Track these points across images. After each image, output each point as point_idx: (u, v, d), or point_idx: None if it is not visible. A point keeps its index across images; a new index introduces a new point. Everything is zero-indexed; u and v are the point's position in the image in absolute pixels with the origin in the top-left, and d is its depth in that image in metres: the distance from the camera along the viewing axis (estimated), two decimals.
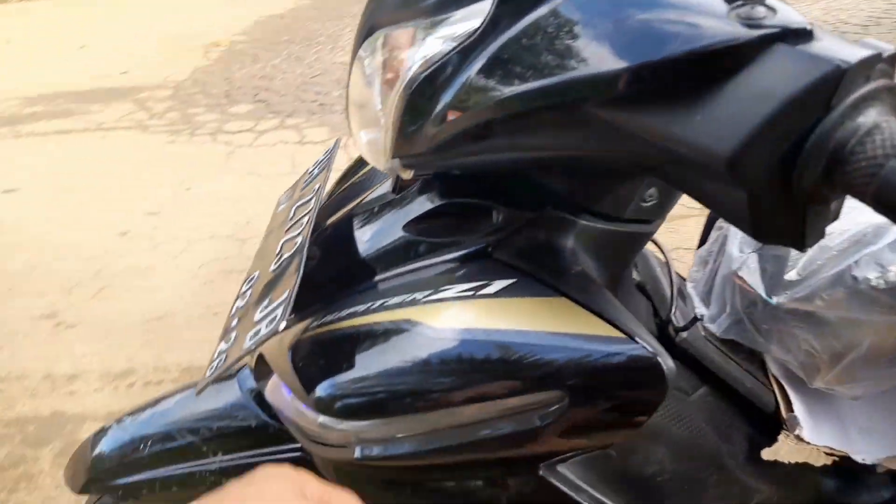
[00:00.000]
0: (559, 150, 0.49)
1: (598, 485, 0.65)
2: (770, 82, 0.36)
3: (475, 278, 0.56)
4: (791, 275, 0.75)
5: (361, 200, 0.69)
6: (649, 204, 0.58)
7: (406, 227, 0.61)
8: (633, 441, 0.68)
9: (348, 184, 0.76)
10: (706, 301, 0.86)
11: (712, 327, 0.81)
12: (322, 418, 0.59)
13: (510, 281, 0.55)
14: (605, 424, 0.58)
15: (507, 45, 0.47)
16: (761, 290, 0.76)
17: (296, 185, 0.79)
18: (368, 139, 0.58)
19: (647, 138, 0.41)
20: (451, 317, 0.54)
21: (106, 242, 2.49)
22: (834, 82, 0.34)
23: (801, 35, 0.37)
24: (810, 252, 0.74)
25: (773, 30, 0.37)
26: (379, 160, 0.57)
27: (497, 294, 0.55)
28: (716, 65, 0.38)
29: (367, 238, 0.63)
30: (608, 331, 0.53)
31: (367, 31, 0.56)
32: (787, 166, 0.36)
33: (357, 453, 0.59)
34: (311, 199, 0.67)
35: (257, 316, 0.57)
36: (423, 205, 0.61)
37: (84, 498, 0.90)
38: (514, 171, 0.59)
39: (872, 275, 0.66)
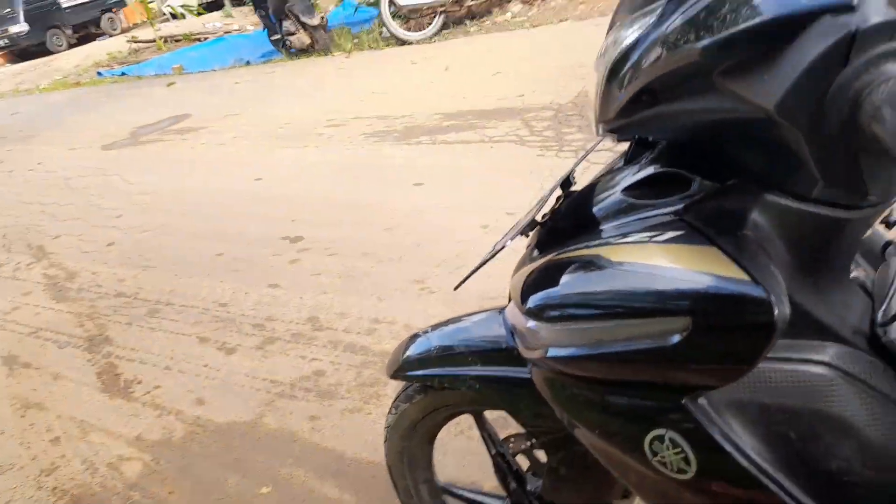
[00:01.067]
0: (703, 114, 0.62)
1: (759, 446, 0.70)
2: (804, 48, 0.45)
3: (656, 229, 0.71)
4: None
5: (605, 172, 0.89)
6: (833, 188, 0.61)
7: (625, 190, 0.78)
8: (817, 428, 0.70)
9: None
10: None
11: None
12: (530, 322, 0.80)
13: (679, 232, 0.69)
14: (720, 356, 0.66)
15: (668, 31, 0.62)
16: None
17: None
18: (592, 103, 0.78)
19: (746, 100, 0.52)
20: (626, 254, 0.71)
21: (471, 232, 3.03)
22: (846, 44, 0.42)
23: (844, 8, 0.44)
24: None
25: (818, 3, 0.45)
26: (594, 124, 0.77)
27: (666, 241, 0.69)
28: (784, 33, 0.48)
29: (599, 200, 0.82)
30: (737, 273, 0.62)
31: (611, 24, 0.76)
32: (821, 111, 0.45)
33: (549, 353, 0.78)
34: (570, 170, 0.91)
35: (498, 241, 0.85)
36: (638, 173, 0.78)
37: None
38: (714, 141, 0.70)
39: None
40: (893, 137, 0.39)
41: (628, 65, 0.66)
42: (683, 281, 0.65)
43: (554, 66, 5.08)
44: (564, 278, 0.75)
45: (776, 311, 0.59)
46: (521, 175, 3.45)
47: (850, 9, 0.44)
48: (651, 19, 0.65)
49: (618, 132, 0.75)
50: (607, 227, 0.77)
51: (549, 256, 0.81)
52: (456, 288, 0.95)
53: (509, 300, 0.96)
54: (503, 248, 0.79)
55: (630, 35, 0.67)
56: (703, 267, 0.64)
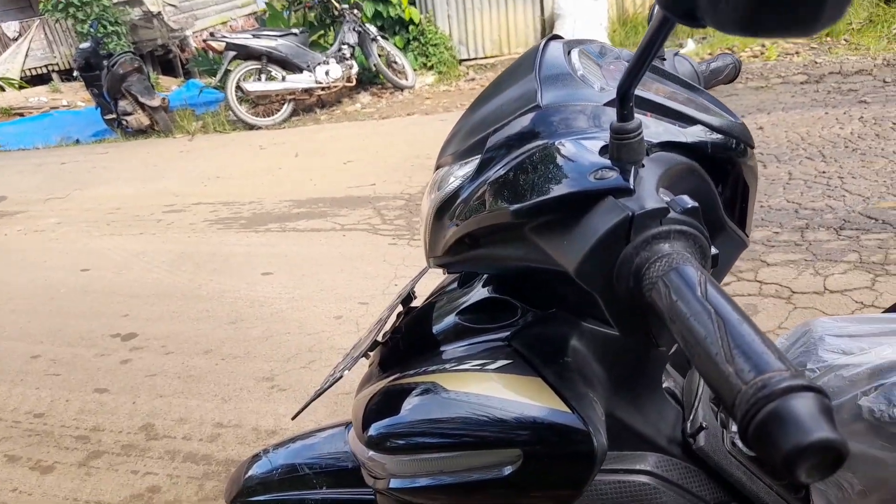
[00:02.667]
0: (517, 261, 0.68)
1: None
2: (595, 222, 0.52)
3: (487, 357, 0.74)
4: None
5: (443, 290, 0.92)
6: None
7: (458, 314, 0.81)
8: None
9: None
10: None
11: (740, 443, 0.82)
12: (370, 453, 0.78)
13: (508, 361, 0.72)
14: (551, 484, 0.68)
15: (484, 182, 0.67)
16: None
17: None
18: (422, 241, 0.81)
19: (551, 256, 0.58)
20: (461, 383, 0.72)
21: (324, 323, 2.96)
22: (627, 224, 0.50)
23: (624, 191, 0.53)
24: (825, 379, 0.75)
25: (602, 185, 0.54)
26: (426, 257, 0.80)
27: (496, 370, 0.71)
28: (577, 207, 0.55)
29: (436, 321, 0.85)
30: (557, 404, 0.66)
31: (435, 167, 0.81)
32: (611, 278, 0.52)
33: (391, 484, 0.76)
34: (408, 287, 0.93)
35: (338, 363, 0.82)
36: (472, 297, 0.83)
37: None
38: (534, 275, 0.76)
39: (880, 407, 0.65)
40: (667, 308, 0.45)
41: (452, 209, 0.72)
42: (511, 413, 0.68)
43: (402, 157, 5.27)
44: (404, 406, 0.75)
45: (595, 442, 0.64)
46: (375, 263, 3.47)
47: (629, 192, 0.52)
48: (471, 169, 0.71)
49: (447, 266, 0.79)
50: (446, 350, 0.79)
51: (390, 379, 0.81)
52: (293, 417, 0.92)
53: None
54: (341, 377, 0.78)
55: (454, 181, 0.73)
56: (529, 398, 0.68)
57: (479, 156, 0.70)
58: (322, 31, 8.18)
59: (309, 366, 2.67)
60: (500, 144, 0.68)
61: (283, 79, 7.17)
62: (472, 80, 7.87)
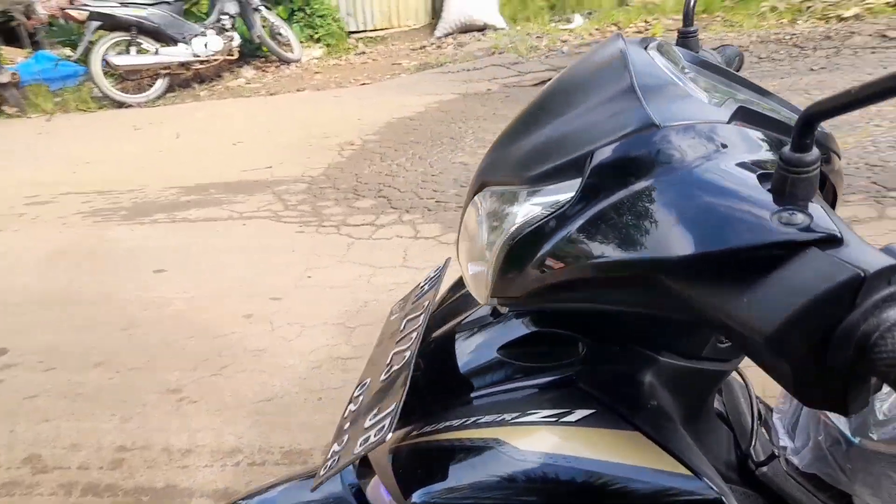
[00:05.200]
0: (635, 307, 0.56)
1: None
2: (803, 280, 0.42)
3: (559, 405, 0.62)
4: (879, 413, 0.72)
5: (464, 319, 0.77)
6: (726, 345, 0.63)
7: (500, 349, 0.68)
8: None
9: (456, 296, 0.84)
10: (791, 433, 0.85)
11: (795, 460, 0.78)
12: None
13: (590, 411, 0.61)
14: None
15: (592, 219, 0.55)
16: (845, 429, 0.75)
17: (407, 298, 0.88)
18: (474, 272, 0.66)
19: (706, 310, 0.47)
20: (535, 441, 0.60)
21: (232, 324, 2.71)
22: (856, 285, 0.40)
23: (831, 241, 0.43)
24: None
25: (809, 235, 0.43)
26: (481, 294, 0.65)
27: (578, 423, 0.60)
28: (761, 258, 0.44)
29: (466, 355, 0.71)
30: (676, 467, 0.57)
31: (479, 185, 0.66)
32: (820, 349, 0.42)
33: None
34: (420, 316, 0.76)
35: (367, 423, 0.65)
36: (517, 330, 0.69)
37: None
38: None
39: None
40: None
41: (537, 248, 0.58)
42: (615, 478, 0.57)
43: (298, 137, 4.97)
44: (458, 466, 0.62)
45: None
46: (282, 254, 3.23)
47: (838, 242, 0.43)
48: (556, 198, 0.58)
49: (516, 307, 0.67)
50: (488, 393, 0.67)
51: (425, 430, 0.67)
52: (314, 489, 0.72)
53: (358, 467, 0.80)
54: (383, 441, 0.62)
55: (528, 213, 0.59)
56: (636, 458, 0.58)
57: (566, 181, 0.57)
58: (197, 0, 7.55)
59: (221, 372, 2.42)
60: (610, 170, 0.55)
61: (157, 52, 6.55)
62: (363, 53, 7.60)
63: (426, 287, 0.85)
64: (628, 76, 0.59)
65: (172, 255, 3.38)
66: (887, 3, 6.08)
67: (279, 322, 2.69)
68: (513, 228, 0.60)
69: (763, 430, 0.82)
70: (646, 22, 6.79)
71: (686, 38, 0.81)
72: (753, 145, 0.55)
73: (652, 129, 0.55)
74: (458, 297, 0.83)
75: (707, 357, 0.63)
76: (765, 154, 0.54)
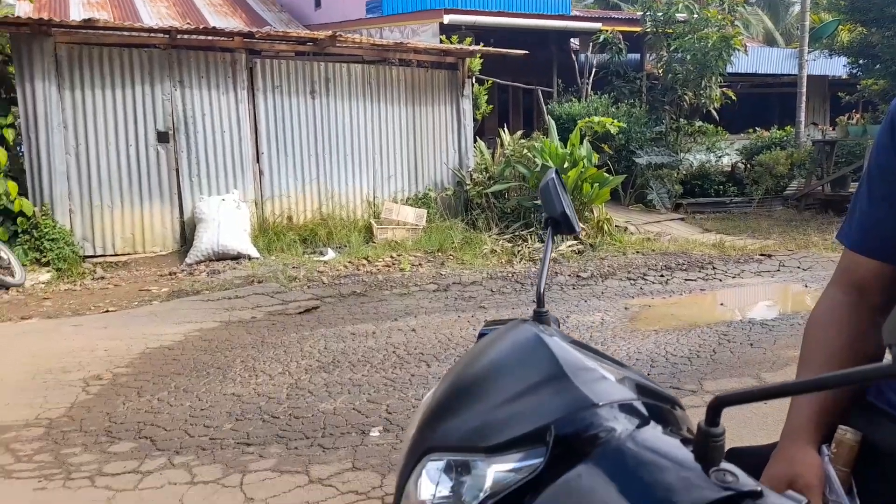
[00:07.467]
0: None
1: None
2: None
3: None
4: None
5: None
6: None
7: None
8: None
9: None
10: None
11: None
12: None
13: None
14: None
15: (562, 485, 0.64)
16: None
17: None
18: None
19: None
20: None
21: None
22: None
23: (755, 495, 0.58)
24: None
25: (742, 489, 0.58)
26: None
27: None
28: None
29: None
30: None
31: (422, 451, 0.71)
32: None
33: None
34: None
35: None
36: None
37: None
38: None
39: None
40: None
41: None
42: None
43: (28, 373, 4.30)
44: None
45: None
46: None
47: (758, 495, 0.58)
48: (522, 464, 0.68)
49: None
50: None
51: None
52: None
53: None
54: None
55: (500, 479, 0.68)
56: None
57: (532, 449, 0.67)
58: None
59: None
60: (570, 440, 0.66)
61: None
62: (102, 278, 7.08)
63: None
64: (557, 362, 0.74)
65: None
66: (570, 248, 7.75)
67: None
68: (482, 495, 0.66)
69: None
70: (392, 257, 7.59)
71: (540, 316, 1.03)
72: (663, 416, 0.71)
73: (592, 407, 0.68)
74: None
75: None
76: (672, 421, 0.73)
